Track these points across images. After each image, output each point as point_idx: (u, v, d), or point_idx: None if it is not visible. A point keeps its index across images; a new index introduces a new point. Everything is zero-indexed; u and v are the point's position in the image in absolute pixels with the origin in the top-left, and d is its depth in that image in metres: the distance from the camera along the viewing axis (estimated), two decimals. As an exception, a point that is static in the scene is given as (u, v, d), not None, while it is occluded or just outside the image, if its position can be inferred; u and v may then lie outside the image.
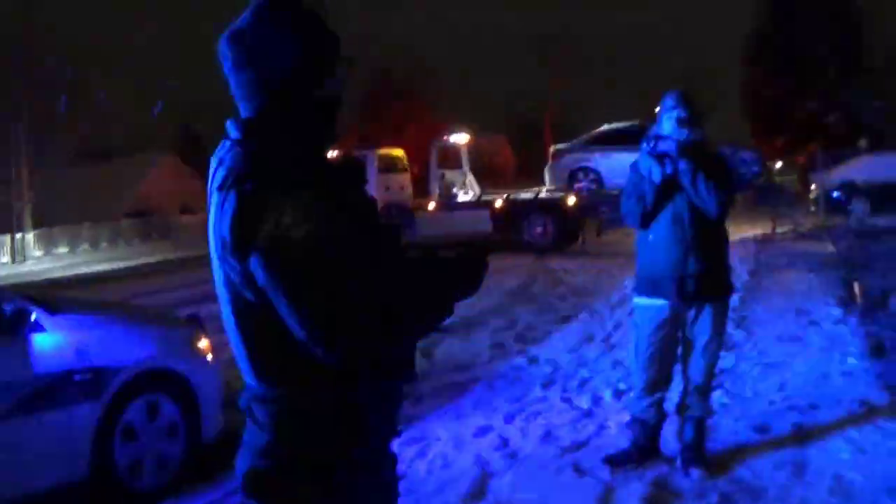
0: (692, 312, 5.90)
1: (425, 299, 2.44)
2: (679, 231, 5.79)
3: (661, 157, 5.80)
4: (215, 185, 2.33)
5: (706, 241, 5.83)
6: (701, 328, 5.91)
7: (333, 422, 2.38)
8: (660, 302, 5.89)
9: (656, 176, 5.77)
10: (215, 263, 2.38)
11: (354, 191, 2.46)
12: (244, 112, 2.44)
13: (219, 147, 2.41)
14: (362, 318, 2.22)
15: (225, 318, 2.43)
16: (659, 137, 5.91)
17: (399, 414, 2.62)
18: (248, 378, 2.44)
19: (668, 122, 5.91)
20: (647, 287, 5.98)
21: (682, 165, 5.72)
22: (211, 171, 2.39)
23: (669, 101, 5.94)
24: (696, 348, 5.94)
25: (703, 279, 5.79)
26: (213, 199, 2.33)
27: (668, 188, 5.79)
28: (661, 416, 6.11)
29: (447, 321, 2.53)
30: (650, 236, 5.93)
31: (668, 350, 5.99)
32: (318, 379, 2.33)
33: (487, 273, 2.64)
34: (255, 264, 2.20)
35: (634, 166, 6.03)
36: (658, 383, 6.01)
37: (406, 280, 2.44)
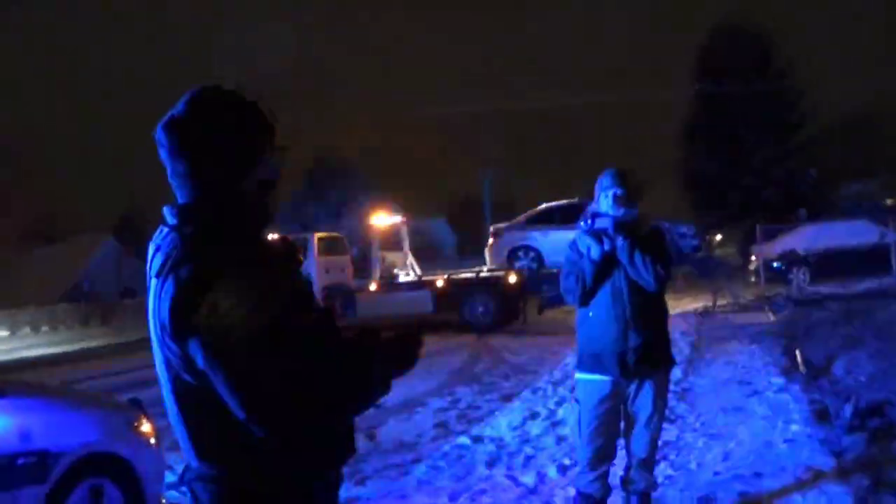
0: (633, 386, 5.91)
1: (362, 377, 2.49)
2: (618, 306, 5.82)
3: (598, 235, 5.84)
4: (153, 271, 2.39)
5: (646, 315, 5.86)
6: (643, 402, 5.92)
7: (275, 500, 2.39)
8: (601, 377, 5.89)
9: (595, 253, 5.81)
10: (155, 347, 2.43)
11: (291, 273, 2.52)
12: (181, 198, 2.50)
13: (156, 233, 2.47)
14: (300, 396, 2.27)
15: (166, 399, 2.48)
16: (596, 215, 5.97)
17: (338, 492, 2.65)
18: (190, 458, 2.47)
19: (604, 199, 5.97)
20: (589, 362, 5.98)
21: (620, 242, 5.77)
22: (149, 257, 2.44)
23: (606, 179, 6.00)
24: (639, 422, 5.95)
25: (643, 353, 5.81)
26: (152, 285, 2.38)
27: (606, 265, 5.82)
28: (607, 490, 6.08)
29: (384, 398, 2.57)
30: (590, 312, 5.95)
31: (611, 424, 5.99)
32: (259, 457, 2.36)
33: (422, 351, 2.69)
34: (194, 348, 2.26)
35: (573, 244, 6.07)
36: (602, 457, 5.99)
37: (342, 358, 2.48)
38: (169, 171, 2.51)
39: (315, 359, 2.34)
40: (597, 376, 5.91)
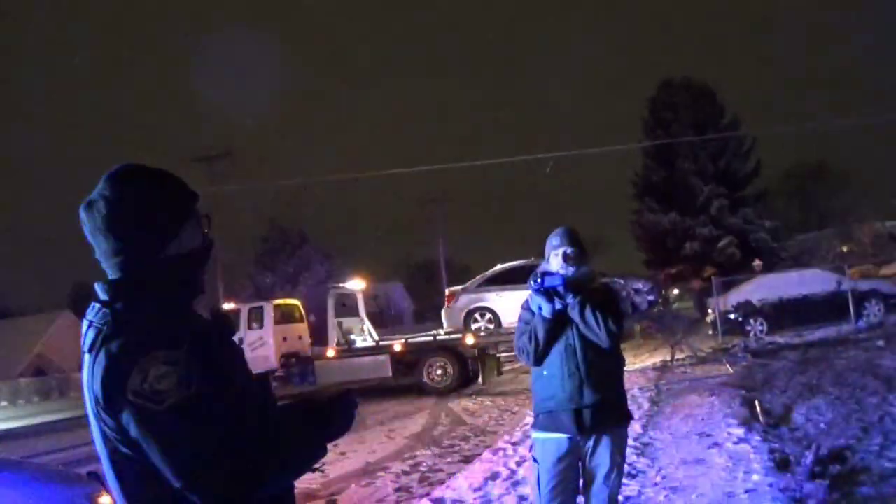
0: (591, 443, 5.86)
1: (297, 441, 2.52)
2: (572, 364, 5.78)
3: (549, 293, 5.83)
4: (86, 346, 2.43)
5: (600, 371, 5.82)
6: (601, 458, 5.86)
7: None
8: (558, 435, 5.84)
9: (546, 312, 5.78)
10: (92, 421, 2.45)
11: (223, 342, 2.57)
12: (109, 274, 2.55)
13: (88, 309, 2.51)
14: (235, 464, 2.29)
15: (105, 472, 2.49)
16: (545, 274, 5.96)
17: None
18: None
19: (554, 259, 5.96)
20: (545, 421, 5.94)
21: (570, 300, 5.75)
22: (82, 333, 2.48)
23: (555, 238, 6.00)
24: (598, 478, 5.89)
25: (599, 409, 5.76)
26: (86, 360, 2.42)
27: (558, 323, 5.80)
28: (568, 548, 6.03)
29: (322, 461, 2.61)
30: (544, 371, 5.91)
31: (569, 482, 5.92)
32: None
33: (357, 413, 2.76)
34: (126, 419, 2.28)
35: (526, 304, 6.05)
36: (562, 515, 5.95)
37: (277, 424, 2.54)
38: (95, 249, 2.56)
39: (247, 425, 2.37)
40: (553, 434, 5.86)
